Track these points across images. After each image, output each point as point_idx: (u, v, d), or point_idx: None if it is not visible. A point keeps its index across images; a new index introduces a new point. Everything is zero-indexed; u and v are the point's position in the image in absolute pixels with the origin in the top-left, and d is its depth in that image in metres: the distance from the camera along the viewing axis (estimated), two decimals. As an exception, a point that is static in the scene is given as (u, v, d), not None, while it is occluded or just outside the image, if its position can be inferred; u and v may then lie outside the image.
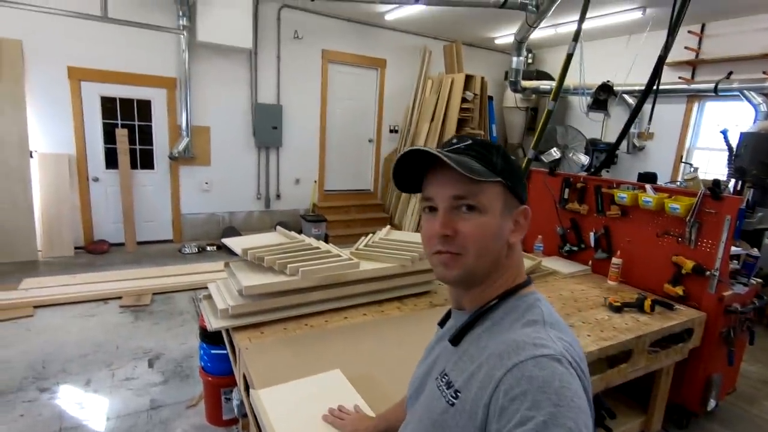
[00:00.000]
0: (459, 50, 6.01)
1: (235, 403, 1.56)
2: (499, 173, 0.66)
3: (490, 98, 6.05)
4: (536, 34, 5.02)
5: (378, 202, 6.42)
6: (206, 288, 1.79)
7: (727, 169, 4.22)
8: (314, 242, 1.87)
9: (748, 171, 3.91)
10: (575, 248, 2.71)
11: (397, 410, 1.03)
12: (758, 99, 4.40)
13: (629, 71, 5.09)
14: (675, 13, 2.40)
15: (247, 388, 1.41)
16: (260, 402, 1.14)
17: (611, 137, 5.86)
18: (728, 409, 2.52)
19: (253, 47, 5.05)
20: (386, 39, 6.08)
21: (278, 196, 5.78)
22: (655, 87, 2.42)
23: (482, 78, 5.61)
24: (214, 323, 1.55)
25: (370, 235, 2.15)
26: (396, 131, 6.43)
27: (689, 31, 5.04)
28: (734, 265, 2.25)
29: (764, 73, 4.42)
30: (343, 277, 1.74)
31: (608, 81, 5.19)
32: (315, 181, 5.98)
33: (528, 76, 6.16)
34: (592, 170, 2.79)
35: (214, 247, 5.09)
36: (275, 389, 1.20)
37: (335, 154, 6.12)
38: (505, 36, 6.05)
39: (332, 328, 1.65)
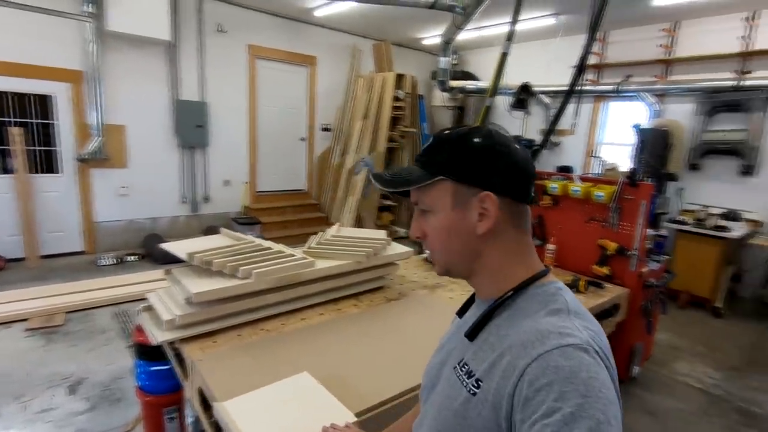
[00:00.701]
0: (388, 49, 6.09)
1: (188, 420, 1.44)
2: (441, 170, 0.66)
3: (421, 97, 6.21)
4: (461, 36, 5.24)
5: (313, 201, 6.31)
6: (141, 300, 1.63)
7: (632, 160, 4.74)
8: (264, 243, 1.78)
9: (647, 162, 4.42)
10: (512, 237, 2.87)
11: (401, 426, 0.96)
12: (652, 99, 5.00)
13: (545, 73, 5.52)
14: (593, 22, 2.64)
15: (204, 402, 1.31)
16: (227, 414, 1.05)
17: (531, 134, 6.32)
18: (645, 373, 2.83)
19: (173, 39, 4.69)
20: (316, 36, 5.98)
21: (206, 199, 5.44)
22: (578, 87, 2.64)
23: (413, 77, 5.74)
24: (159, 336, 1.41)
25: (320, 233, 2.10)
26: (329, 129, 6.35)
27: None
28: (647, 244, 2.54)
29: (656, 77, 5.03)
30: (298, 277, 1.67)
31: (527, 82, 5.58)
32: (246, 182, 5.72)
33: (453, 76, 6.42)
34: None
35: (136, 257, 4.66)
36: (242, 399, 1.12)
37: (267, 154, 5.90)
38: (432, 37, 6.25)
39: (290, 330, 1.58)
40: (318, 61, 6.08)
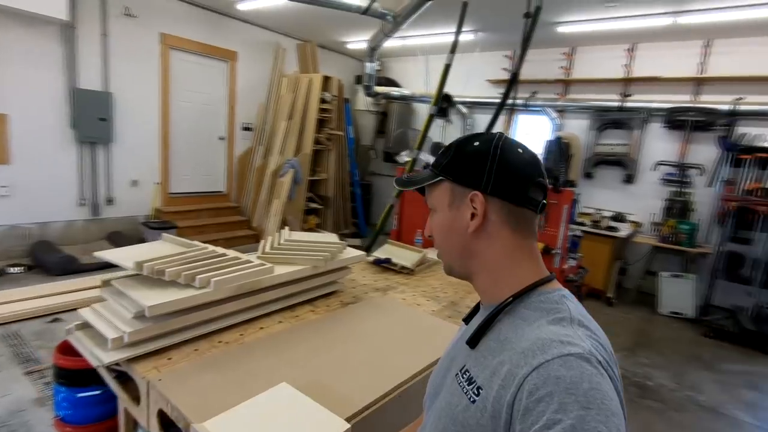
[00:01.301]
0: (314, 50, 6.01)
1: (141, 448, 1.29)
2: (441, 171, 0.71)
3: (347, 100, 6.24)
4: (386, 44, 5.38)
5: (233, 204, 5.97)
6: (37, 318, 1.43)
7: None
8: (217, 249, 1.66)
9: (550, 170, 4.95)
10: (448, 239, 3.03)
11: None
12: (554, 114, 5.61)
13: (463, 85, 5.89)
14: (525, 39, 2.89)
15: (167, 427, 1.19)
16: (209, 435, 0.97)
17: (448, 140, 6.68)
18: (562, 359, 3.17)
19: (70, 19, 4.13)
20: (237, 30, 5.69)
21: (110, 201, 4.86)
22: (510, 99, 2.88)
23: (339, 80, 5.74)
24: (105, 357, 1.25)
25: (270, 237, 2.02)
26: (250, 129, 6.07)
27: (505, 55, 6.10)
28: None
29: (557, 94, 5.65)
30: (258, 284, 1.59)
31: (446, 92, 5.90)
32: (158, 183, 5.22)
33: (377, 82, 6.56)
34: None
35: (21, 268, 4.00)
36: (223, 417, 1.04)
37: (181, 153, 5.46)
38: (357, 41, 6.31)
39: (250, 341, 1.50)
40: (239, 57, 5.79)
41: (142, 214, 5.12)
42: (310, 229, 5.71)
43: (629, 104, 5.08)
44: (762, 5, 3.65)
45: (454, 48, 2.92)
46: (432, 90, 6.18)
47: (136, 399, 1.33)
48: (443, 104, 5.80)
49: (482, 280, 0.70)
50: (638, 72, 5.11)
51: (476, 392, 0.60)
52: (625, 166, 5.19)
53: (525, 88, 5.89)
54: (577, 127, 5.53)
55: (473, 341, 0.66)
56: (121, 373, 1.42)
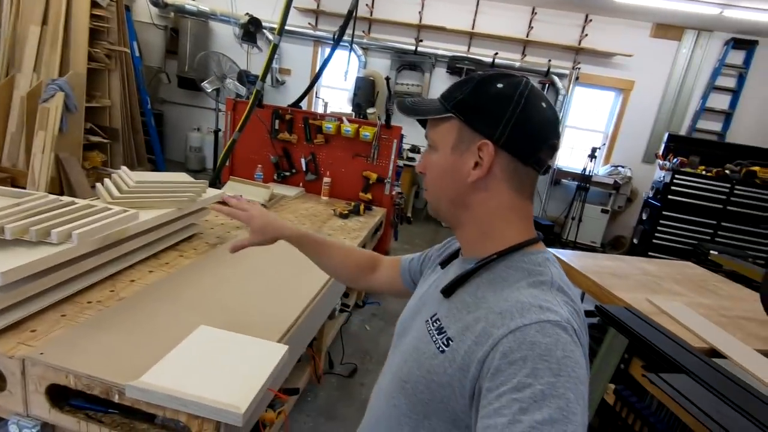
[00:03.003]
0: (69, -69, 4.55)
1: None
2: (453, 107, 0.63)
3: (127, 8, 5.07)
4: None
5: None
6: None
7: (349, 103, 5.59)
8: (62, 197, 1.35)
9: (362, 106, 5.36)
10: (287, 173, 3.09)
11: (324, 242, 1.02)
12: (360, 52, 5.92)
13: (273, 11, 5.54)
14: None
15: (55, 402, 1.04)
16: (153, 386, 0.93)
17: (254, 69, 6.29)
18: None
19: None
20: None
21: None
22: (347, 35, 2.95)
23: (116, -20, 4.59)
24: (-56, 343, 0.96)
25: (107, 180, 1.71)
26: (-26, 31, 4.34)
27: (312, -17, 5.94)
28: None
29: (363, 32, 5.94)
30: (124, 233, 1.40)
31: (255, 16, 5.47)
32: None
33: (164, -11, 5.51)
34: (293, 103, 3.15)
35: None
36: (155, 370, 0.99)
37: None
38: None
39: (130, 295, 1.35)
40: None
41: None
42: (93, 168, 4.72)
43: (421, 49, 5.80)
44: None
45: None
46: (238, 12, 5.61)
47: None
48: (250, 27, 5.37)
49: (468, 233, 0.68)
50: (428, 20, 5.81)
51: (445, 342, 0.60)
52: (417, 104, 6.01)
53: (331, 21, 5.96)
54: (381, 66, 6.01)
55: (448, 292, 0.65)
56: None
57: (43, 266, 1.12)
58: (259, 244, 1.00)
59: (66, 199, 1.35)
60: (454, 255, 0.75)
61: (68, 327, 1.15)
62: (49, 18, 4.31)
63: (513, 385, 0.48)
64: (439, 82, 5.96)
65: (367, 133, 2.85)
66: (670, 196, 4.82)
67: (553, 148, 0.64)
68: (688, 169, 4.81)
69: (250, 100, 2.44)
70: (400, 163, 3.46)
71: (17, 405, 1.05)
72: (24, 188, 4.07)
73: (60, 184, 4.23)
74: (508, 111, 0.60)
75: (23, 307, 1.13)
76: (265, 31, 5.82)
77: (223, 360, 1.07)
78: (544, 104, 0.62)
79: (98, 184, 1.68)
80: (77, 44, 4.39)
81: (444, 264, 0.76)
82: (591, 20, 5.52)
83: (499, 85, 0.62)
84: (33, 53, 4.30)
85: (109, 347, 1.09)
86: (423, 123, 0.71)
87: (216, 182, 2.58)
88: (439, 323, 0.63)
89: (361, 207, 2.69)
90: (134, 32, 5.21)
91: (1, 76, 4.37)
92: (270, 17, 5.58)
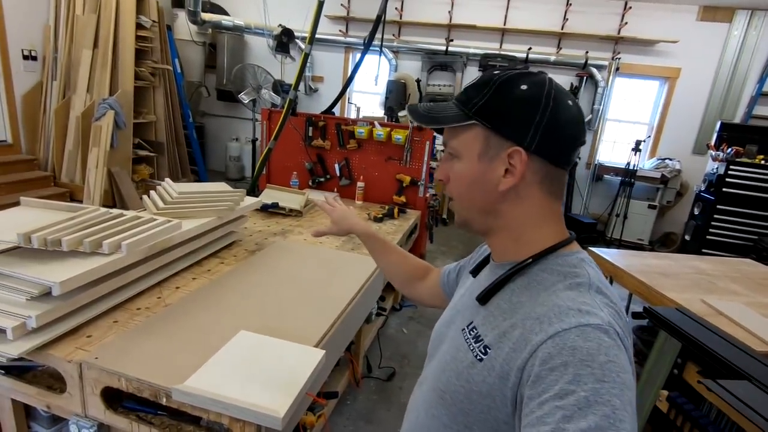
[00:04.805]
0: (115, -40, 4.85)
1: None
2: (476, 113, 0.60)
3: (168, 28, 5.34)
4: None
5: (27, 157, 4.71)
6: None
7: (381, 107, 5.62)
8: (111, 210, 1.44)
9: (394, 109, 5.37)
10: (322, 179, 3.13)
11: (389, 246, 1.10)
12: (390, 55, 5.94)
13: (304, 20, 5.66)
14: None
15: (110, 404, 1.10)
16: (197, 390, 0.97)
17: (288, 79, 6.45)
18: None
19: None
20: None
21: None
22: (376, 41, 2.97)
23: (158, 2, 4.85)
24: (12, 349, 1.04)
25: (153, 192, 1.80)
26: (36, 58, 4.71)
27: (342, -9, 6.03)
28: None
29: (393, 35, 5.95)
30: (169, 242, 1.47)
31: (281, 25, 5.60)
32: None
33: (202, 7, 5.76)
34: (326, 110, 3.20)
35: None
36: (199, 375, 1.03)
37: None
38: (171, -45, 5.33)
39: (176, 302, 1.42)
40: (-1, -44, 4.28)
41: None
42: (142, 181, 4.99)
43: (452, 49, 5.74)
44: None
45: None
46: (271, 24, 5.79)
47: (48, 388, 1.17)
48: (283, 38, 5.52)
49: (500, 239, 0.66)
50: (458, 19, 5.75)
51: (483, 351, 0.58)
52: (450, 104, 5.95)
53: (361, 27, 6.02)
54: (411, 68, 6.00)
55: (484, 299, 0.63)
56: (12, 368, 1.20)
57: (96, 275, 1.19)
58: (335, 233, 1.16)
59: (115, 211, 1.43)
60: (485, 262, 0.73)
61: (120, 332, 1.22)
62: (99, 42, 4.61)
63: (555, 392, 0.47)
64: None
65: (399, 136, 2.85)
66: (724, 189, 4.51)
67: (582, 145, 0.62)
68: (744, 159, 4.48)
69: (284, 110, 2.50)
70: (434, 164, 3.43)
71: (76, 406, 1.12)
72: (81, 201, 4.37)
73: (112, 197, 4.50)
74: (537, 114, 0.57)
75: (79, 314, 1.20)
76: (297, 40, 5.96)
77: (262, 364, 1.09)
78: (570, 102, 0.60)
79: (144, 196, 1.77)
80: (125, 65, 4.67)
81: (475, 272, 0.74)
82: (631, 7, 5.27)
83: (523, 87, 0.59)
84: (86, 75, 4.60)
85: (156, 352, 1.14)
86: (440, 130, 0.69)
87: (254, 190, 2.66)
88: (476, 331, 0.62)
89: (396, 210, 2.69)
90: (175, 50, 5.48)
91: (59, 98, 4.71)
92: (302, 27, 5.70)
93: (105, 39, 4.58)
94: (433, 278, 1.03)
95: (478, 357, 0.59)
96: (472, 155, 0.62)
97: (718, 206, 4.57)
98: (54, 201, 1.46)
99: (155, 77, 5.04)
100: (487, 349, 0.58)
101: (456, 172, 0.65)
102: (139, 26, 4.68)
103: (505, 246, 0.66)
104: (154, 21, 4.84)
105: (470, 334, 0.63)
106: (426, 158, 2.91)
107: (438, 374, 0.67)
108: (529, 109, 0.58)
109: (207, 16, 5.50)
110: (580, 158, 0.87)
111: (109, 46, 4.57)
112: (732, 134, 4.73)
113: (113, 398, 1.12)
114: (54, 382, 1.19)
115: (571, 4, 5.40)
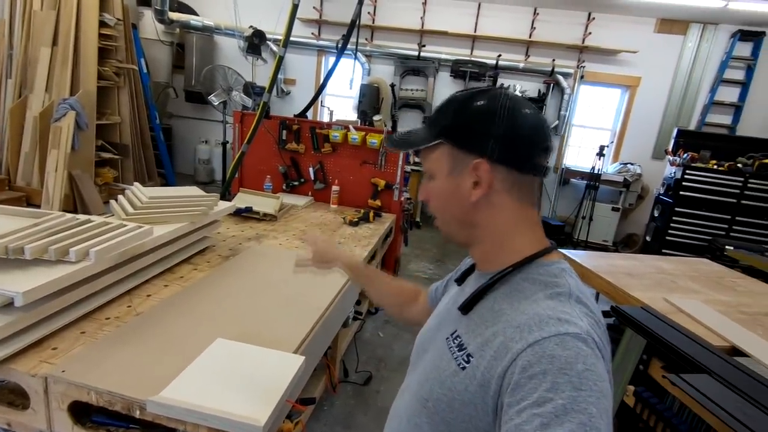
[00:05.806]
0: (76, -46, 4.65)
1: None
2: (440, 133, 0.64)
3: (134, 26, 5.16)
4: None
5: (-23, 159, 4.43)
6: None
7: (354, 110, 5.63)
8: (78, 216, 1.38)
9: (368, 113, 5.39)
10: (296, 183, 3.10)
11: (381, 276, 1.11)
12: (363, 59, 5.96)
13: (276, 22, 5.61)
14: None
15: (78, 419, 1.06)
16: (173, 401, 0.94)
17: (260, 81, 6.36)
18: (400, 272, 3.77)
19: None
20: None
21: None
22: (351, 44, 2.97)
23: (123, 0, 4.69)
24: (-31, 364, 0.98)
25: (121, 197, 1.74)
26: (-12, 55, 4.45)
27: (315, -6, 6.01)
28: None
29: (365, 39, 5.98)
30: (140, 248, 1.42)
31: (251, 26, 5.52)
32: None
33: (169, 7, 5.60)
34: (300, 113, 3.17)
35: None
36: (175, 385, 1.00)
37: None
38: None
39: (146, 310, 1.37)
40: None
41: None
42: (106, 184, 4.80)
43: (424, 54, 5.81)
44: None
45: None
46: (241, 25, 5.69)
47: (9, 405, 1.11)
48: (255, 40, 5.43)
49: (482, 250, 0.68)
50: (430, 25, 5.83)
51: (466, 359, 0.59)
52: (423, 108, 6.02)
53: (334, 30, 6.01)
54: (384, 73, 6.04)
55: (466, 308, 0.65)
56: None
57: (62, 284, 1.14)
58: (318, 266, 1.13)
59: (82, 217, 1.38)
60: (470, 270, 0.75)
61: (88, 344, 1.17)
62: (59, 39, 4.41)
63: (533, 400, 0.48)
64: (443, 87, 5.97)
65: (374, 140, 2.86)
66: (681, 192, 4.76)
67: (547, 150, 0.64)
68: (699, 164, 4.74)
69: (258, 112, 2.46)
70: (408, 168, 3.46)
71: (41, 423, 1.07)
72: (38, 206, 4.15)
73: (73, 202, 4.30)
74: (494, 125, 0.61)
75: (44, 325, 1.15)
76: (269, 42, 5.89)
77: (241, 372, 1.07)
78: (527, 110, 0.62)
79: (112, 201, 1.71)
80: (87, 63, 4.48)
81: (460, 280, 0.76)
82: (594, 18, 5.49)
83: (480, 102, 0.62)
84: (44, 74, 4.40)
85: (128, 363, 1.10)
86: (418, 153, 0.73)
87: (226, 194, 2.60)
88: (459, 340, 0.63)
89: (371, 214, 2.69)
90: (141, 49, 5.30)
91: (15, 97, 4.47)
92: (273, 29, 5.64)
93: (65, 36, 4.39)
94: (423, 298, 1.02)
95: (461, 365, 0.60)
96: (443, 173, 0.66)
97: (676, 208, 4.81)
98: (12, 206, 1.39)
99: (120, 77, 4.86)
100: (470, 358, 0.59)
101: (433, 191, 0.69)
102: (102, 24, 4.51)
103: (486, 255, 0.68)
104: (118, 19, 4.67)
105: (454, 343, 0.64)
106: (401, 162, 2.93)
107: (421, 382, 0.67)
108: (486, 122, 0.61)
109: (175, 16, 5.36)
110: (548, 163, 0.88)
111: (70, 43, 4.38)
112: (687, 140, 5.00)
113: (81, 413, 1.08)
114: (15, 398, 1.13)
115: (538, 14, 5.58)
